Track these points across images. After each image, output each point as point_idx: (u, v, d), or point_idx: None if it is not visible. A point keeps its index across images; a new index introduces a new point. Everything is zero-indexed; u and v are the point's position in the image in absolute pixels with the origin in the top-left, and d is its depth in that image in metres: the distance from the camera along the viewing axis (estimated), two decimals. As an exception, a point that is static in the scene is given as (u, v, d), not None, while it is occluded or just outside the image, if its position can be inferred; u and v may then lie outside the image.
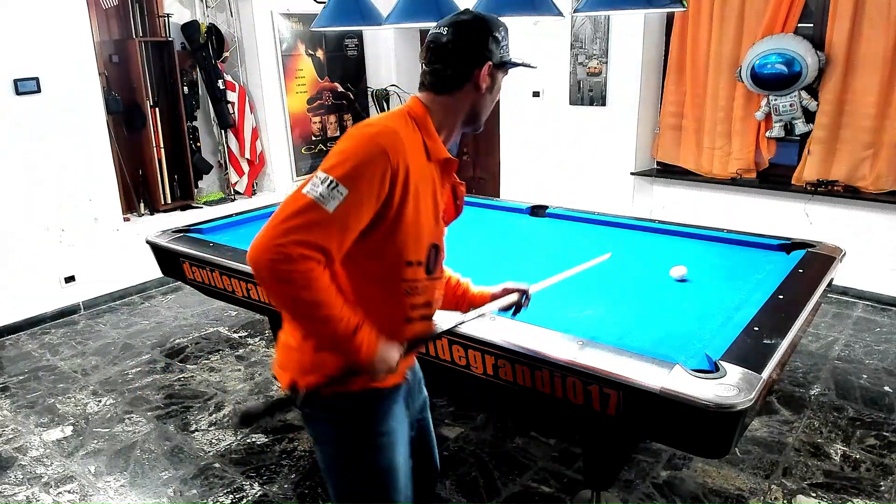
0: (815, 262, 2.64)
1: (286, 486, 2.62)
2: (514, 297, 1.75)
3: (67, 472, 2.77)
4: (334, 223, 1.23)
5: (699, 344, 2.01)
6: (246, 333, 4.09)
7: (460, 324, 1.58)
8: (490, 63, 1.38)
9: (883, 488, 2.51)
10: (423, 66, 1.42)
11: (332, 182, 1.23)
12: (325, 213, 1.22)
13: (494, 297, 1.75)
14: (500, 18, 1.44)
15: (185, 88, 5.08)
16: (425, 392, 1.75)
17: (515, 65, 1.46)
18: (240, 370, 3.61)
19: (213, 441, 2.95)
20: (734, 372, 1.71)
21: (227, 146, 5.42)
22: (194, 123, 5.25)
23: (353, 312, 1.31)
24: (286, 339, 1.48)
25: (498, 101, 5.92)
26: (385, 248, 1.35)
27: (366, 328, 1.32)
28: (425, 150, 1.38)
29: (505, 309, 1.76)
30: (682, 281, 2.54)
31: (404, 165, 1.29)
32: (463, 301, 1.76)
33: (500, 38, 1.40)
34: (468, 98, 1.41)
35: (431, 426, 1.77)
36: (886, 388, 3.21)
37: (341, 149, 1.29)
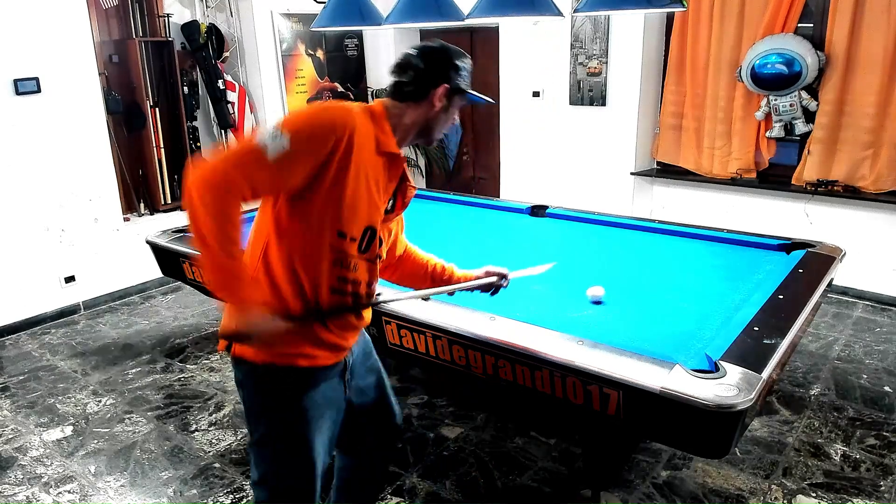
0: (815, 262, 2.64)
1: (286, 486, 2.62)
2: (493, 279, 1.92)
3: (67, 472, 2.77)
4: (267, 168, 1.37)
5: (699, 344, 2.01)
6: (246, 333, 4.08)
7: (407, 298, 1.79)
8: (447, 86, 1.57)
9: (883, 488, 2.51)
10: (390, 76, 1.61)
11: (278, 134, 1.38)
12: (264, 158, 1.36)
13: (476, 279, 1.92)
14: (465, 54, 1.64)
15: (185, 88, 5.08)
16: (374, 359, 1.87)
17: (472, 97, 1.65)
18: (240, 370, 3.61)
19: (213, 441, 2.95)
20: (734, 372, 1.71)
21: (227, 146, 5.42)
22: (194, 123, 5.25)
23: (242, 257, 1.44)
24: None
25: (498, 100, 5.93)
26: (319, 212, 1.47)
27: (258, 287, 1.47)
28: (376, 141, 1.52)
29: (484, 289, 1.93)
30: (598, 303, 2.36)
31: (349, 142, 1.43)
32: (447, 283, 1.92)
33: (461, 68, 1.60)
34: (423, 112, 1.59)
35: (384, 390, 1.88)
36: (886, 388, 3.21)
37: (299, 111, 1.52)
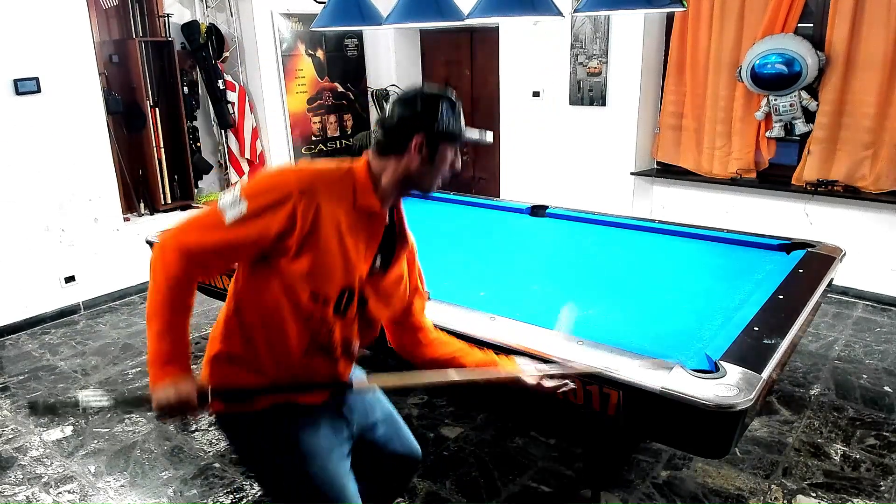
0: (815, 262, 2.64)
1: (286, 486, 2.62)
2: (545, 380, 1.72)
3: (67, 472, 2.77)
4: (225, 232, 1.38)
5: (699, 344, 2.01)
6: (246, 333, 4.08)
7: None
8: (421, 136, 1.47)
9: (883, 488, 2.51)
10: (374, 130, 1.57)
11: (238, 198, 1.39)
12: (222, 222, 1.38)
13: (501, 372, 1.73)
14: (447, 94, 1.54)
15: (185, 88, 5.08)
16: (377, 415, 1.78)
17: (461, 138, 1.54)
18: (240, 370, 3.61)
19: (213, 441, 2.95)
20: (734, 372, 1.71)
21: (227, 146, 5.42)
22: (194, 123, 5.25)
23: (183, 336, 1.43)
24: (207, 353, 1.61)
25: (498, 100, 5.91)
26: (289, 274, 1.44)
27: (172, 361, 1.40)
28: (353, 196, 1.49)
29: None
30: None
31: (314, 204, 1.41)
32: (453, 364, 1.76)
33: (441, 113, 1.49)
34: (405, 164, 1.50)
35: (395, 425, 1.82)
36: (886, 388, 3.21)
37: (263, 174, 1.48)
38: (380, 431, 1.77)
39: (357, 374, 1.74)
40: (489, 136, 1.61)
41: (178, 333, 1.42)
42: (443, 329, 2.08)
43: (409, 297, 1.72)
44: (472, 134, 1.56)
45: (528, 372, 1.71)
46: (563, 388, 1.74)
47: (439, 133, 1.49)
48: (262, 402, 1.53)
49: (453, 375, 1.67)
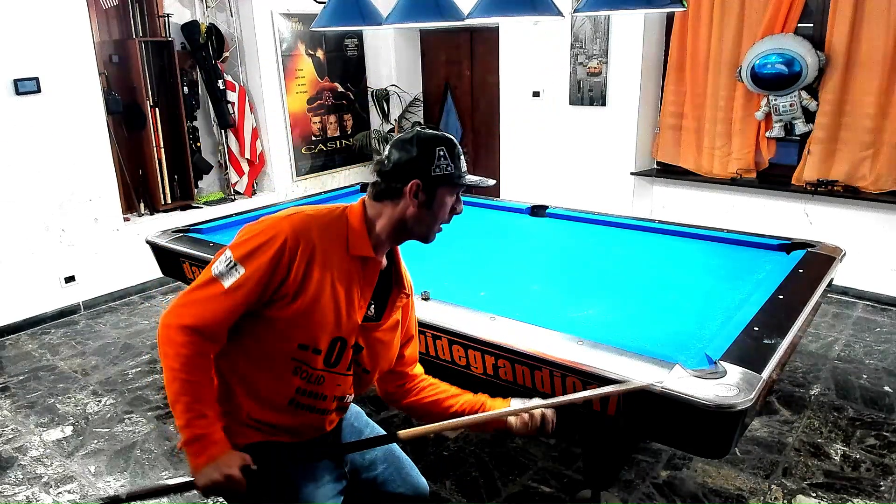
0: (815, 262, 2.64)
1: (286, 486, 2.62)
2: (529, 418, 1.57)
3: (67, 472, 2.77)
4: (226, 300, 1.35)
5: (699, 344, 2.01)
6: (246, 333, 4.08)
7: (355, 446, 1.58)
8: (417, 181, 1.42)
9: (883, 488, 2.51)
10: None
11: (231, 261, 1.36)
12: (221, 288, 1.35)
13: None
14: (446, 136, 1.48)
15: (185, 88, 5.08)
16: (372, 431, 1.72)
17: (460, 183, 1.48)
18: (240, 370, 3.61)
19: (213, 441, 2.94)
20: (734, 372, 1.71)
21: (227, 146, 5.42)
22: (194, 123, 5.25)
23: (211, 412, 1.37)
24: None
25: (498, 100, 5.91)
26: (283, 323, 1.40)
27: (205, 440, 1.35)
28: (346, 243, 1.44)
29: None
30: None
31: (308, 249, 1.37)
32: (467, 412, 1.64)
33: (438, 157, 1.44)
34: (401, 210, 1.45)
35: (396, 463, 1.72)
36: (886, 388, 3.21)
37: (250, 228, 1.41)
38: (378, 470, 1.69)
39: (353, 410, 1.70)
40: (490, 182, 1.57)
41: (207, 410, 1.37)
42: (443, 329, 2.09)
43: (404, 345, 1.65)
44: (472, 178, 1.50)
45: (523, 408, 1.54)
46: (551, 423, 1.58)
47: (436, 178, 1.44)
48: (243, 439, 1.46)
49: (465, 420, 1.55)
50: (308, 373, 1.45)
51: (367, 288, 1.49)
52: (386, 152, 1.48)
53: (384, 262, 1.54)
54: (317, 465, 1.55)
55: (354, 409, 1.74)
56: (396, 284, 1.58)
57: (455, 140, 1.49)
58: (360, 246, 1.45)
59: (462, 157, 1.50)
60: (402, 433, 1.47)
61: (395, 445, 1.72)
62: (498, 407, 1.59)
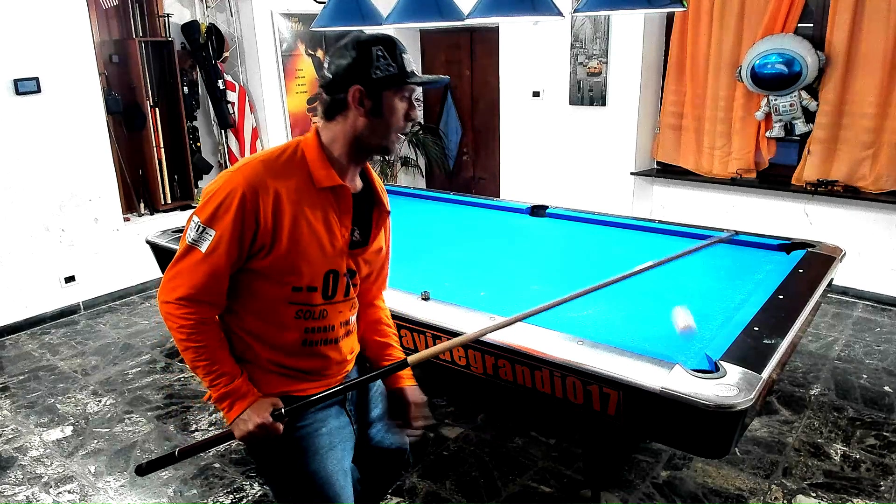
0: (815, 262, 2.64)
1: (286, 486, 2.62)
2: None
3: (67, 472, 2.77)
4: (207, 261, 1.36)
5: (699, 344, 2.01)
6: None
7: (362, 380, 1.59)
8: (358, 87, 1.36)
9: (883, 488, 2.51)
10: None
11: (200, 226, 1.37)
12: (199, 254, 1.36)
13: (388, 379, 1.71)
14: (385, 35, 1.39)
15: (185, 88, 5.07)
16: (376, 412, 1.75)
17: (406, 82, 1.38)
18: (240, 370, 3.61)
19: (213, 441, 2.95)
20: (734, 372, 1.71)
21: (227, 146, 5.42)
22: (194, 123, 5.25)
23: (230, 368, 1.43)
24: None
25: (498, 100, 5.90)
26: (270, 271, 1.41)
27: (232, 396, 1.42)
28: (309, 178, 1.41)
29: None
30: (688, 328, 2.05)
31: (269, 195, 1.35)
32: (382, 360, 1.73)
33: (376, 57, 1.36)
34: (350, 124, 1.40)
35: (388, 434, 1.77)
36: (886, 388, 3.21)
37: (207, 190, 1.40)
38: (375, 429, 1.74)
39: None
40: (444, 78, 1.48)
41: (225, 368, 1.42)
42: (442, 329, 2.09)
43: (384, 265, 1.69)
44: (419, 77, 1.40)
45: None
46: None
47: (379, 80, 1.36)
48: (269, 388, 1.49)
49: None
50: (310, 311, 1.47)
51: (346, 216, 1.47)
52: (325, 63, 1.42)
53: (358, 184, 1.52)
54: (334, 423, 1.57)
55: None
56: (377, 204, 1.57)
57: (397, 39, 1.41)
58: (325, 177, 1.41)
59: (406, 55, 1.39)
60: (411, 358, 1.56)
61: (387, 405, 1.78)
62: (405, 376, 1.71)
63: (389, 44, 1.37)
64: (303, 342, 1.49)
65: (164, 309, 1.41)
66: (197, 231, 1.36)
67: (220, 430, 1.51)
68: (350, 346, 1.62)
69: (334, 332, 1.53)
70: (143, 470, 1.51)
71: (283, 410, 1.44)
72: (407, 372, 1.71)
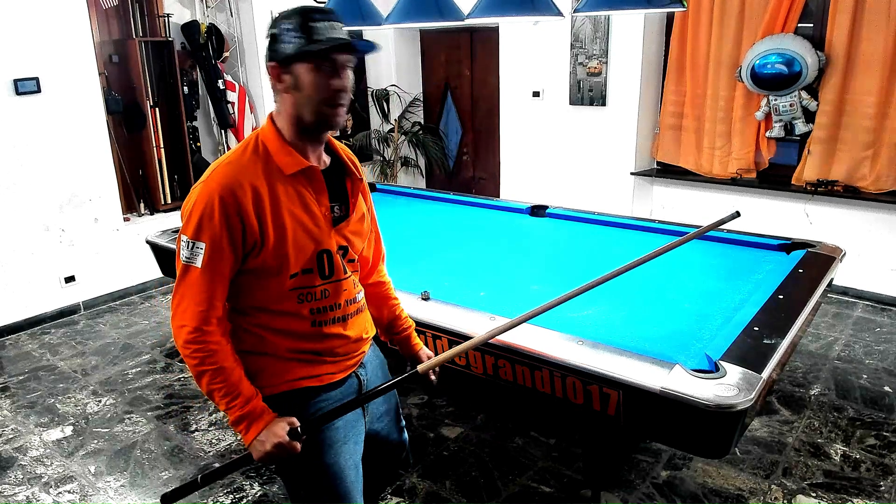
0: (815, 262, 2.64)
1: (286, 486, 2.62)
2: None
3: (67, 472, 2.77)
4: (206, 274, 1.38)
5: (699, 344, 2.01)
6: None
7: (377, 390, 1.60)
8: (272, 65, 1.38)
9: (883, 488, 2.51)
10: None
11: (189, 242, 1.38)
12: (197, 269, 1.37)
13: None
14: (301, 8, 1.35)
15: (185, 88, 5.08)
16: (384, 406, 1.77)
17: (313, 52, 1.34)
18: (240, 370, 3.61)
19: (213, 441, 2.95)
20: (734, 372, 1.71)
21: (227, 146, 5.42)
22: (194, 123, 5.25)
23: (245, 390, 1.43)
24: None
25: (498, 100, 5.90)
26: (265, 266, 1.42)
27: (247, 418, 1.42)
28: (278, 168, 1.41)
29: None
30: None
31: (245, 194, 1.36)
32: (395, 332, 1.83)
33: (285, 31, 1.35)
34: (284, 103, 1.42)
35: (397, 421, 1.83)
36: (886, 388, 3.21)
37: (185, 207, 1.41)
38: (383, 423, 1.76)
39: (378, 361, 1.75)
40: (376, 47, 1.46)
41: (237, 389, 1.42)
42: (442, 329, 2.09)
43: (373, 231, 1.71)
44: (322, 44, 1.33)
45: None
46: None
47: (289, 56, 1.35)
48: (281, 385, 1.50)
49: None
50: (312, 293, 1.48)
51: (322, 195, 1.48)
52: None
53: (326, 160, 1.52)
54: (353, 415, 1.58)
55: (379, 359, 1.77)
56: (349, 175, 1.57)
57: (319, 8, 1.38)
58: (290, 163, 1.42)
59: (319, 24, 1.35)
60: (420, 367, 1.60)
61: (398, 405, 1.84)
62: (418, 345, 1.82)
63: (301, 16, 1.34)
64: (312, 323, 1.50)
65: (176, 335, 1.42)
66: (188, 248, 1.38)
67: (240, 454, 1.53)
68: (363, 325, 1.64)
69: (341, 309, 1.54)
70: (167, 498, 1.53)
71: (298, 428, 1.45)
72: (417, 339, 1.82)
